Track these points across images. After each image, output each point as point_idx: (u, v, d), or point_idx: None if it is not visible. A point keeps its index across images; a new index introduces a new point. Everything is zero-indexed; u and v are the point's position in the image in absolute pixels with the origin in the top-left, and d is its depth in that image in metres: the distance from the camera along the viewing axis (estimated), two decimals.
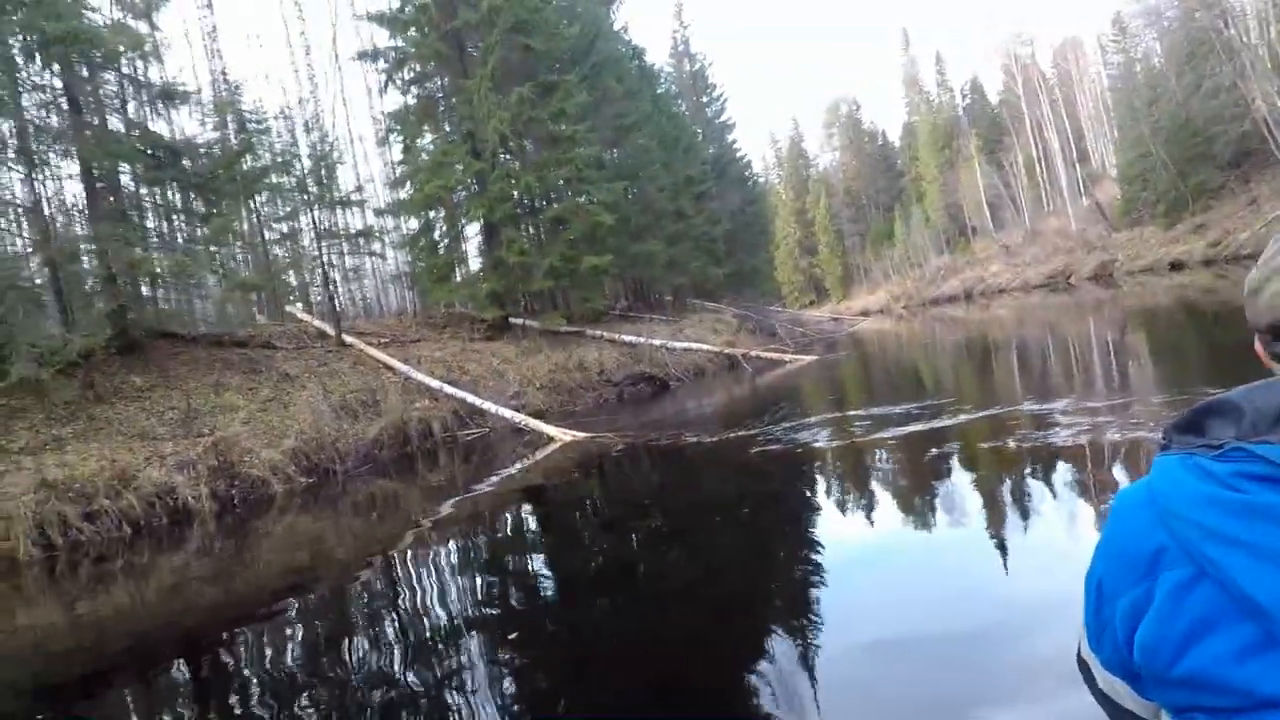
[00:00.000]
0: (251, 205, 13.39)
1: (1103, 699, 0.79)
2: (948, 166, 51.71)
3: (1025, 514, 3.98)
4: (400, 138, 16.63)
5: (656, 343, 14.89)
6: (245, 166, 12.27)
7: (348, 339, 12.95)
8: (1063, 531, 3.65)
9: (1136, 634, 0.69)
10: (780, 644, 2.87)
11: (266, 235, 14.51)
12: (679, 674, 2.78)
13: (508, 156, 15.26)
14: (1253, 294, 0.73)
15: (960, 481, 4.81)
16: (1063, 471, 4.50)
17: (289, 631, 3.98)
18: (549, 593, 4.15)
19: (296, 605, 4.40)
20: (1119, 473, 4.28)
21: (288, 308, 15.79)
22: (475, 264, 17.14)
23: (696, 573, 3.92)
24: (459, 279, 16.30)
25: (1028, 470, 4.65)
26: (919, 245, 50.92)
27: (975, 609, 2.95)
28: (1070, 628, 0.82)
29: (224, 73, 18.62)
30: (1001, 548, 3.58)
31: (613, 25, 24.08)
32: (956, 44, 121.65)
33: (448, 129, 16.27)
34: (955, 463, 5.18)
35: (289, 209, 15.62)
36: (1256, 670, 0.60)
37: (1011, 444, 5.19)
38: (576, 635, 3.42)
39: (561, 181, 15.73)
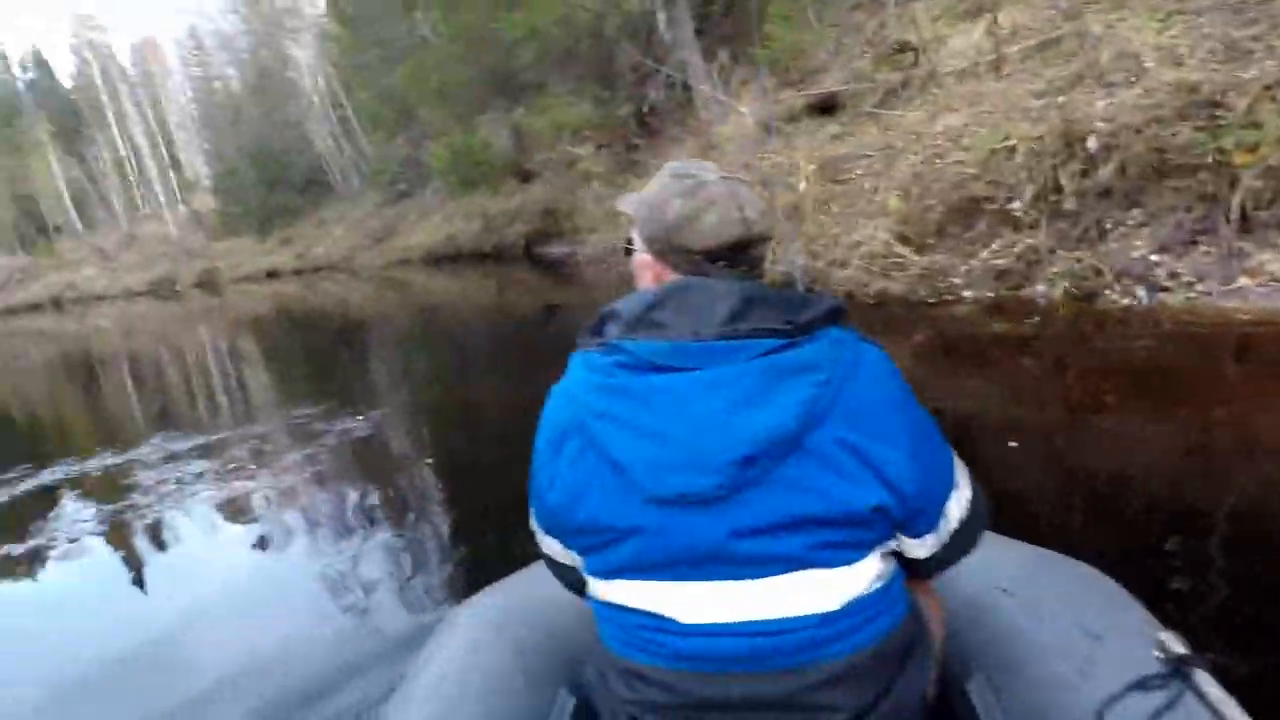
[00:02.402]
0: None
1: (546, 559, 0.90)
2: (11, 150, 40.50)
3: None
4: None
5: None
6: None
7: None
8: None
9: (552, 497, 0.79)
10: None
11: None
12: None
13: None
14: (688, 221, 0.81)
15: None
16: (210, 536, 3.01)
17: None
18: None
19: None
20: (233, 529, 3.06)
21: None
22: None
23: None
24: None
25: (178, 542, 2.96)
26: None
27: None
28: None
29: None
30: None
31: None
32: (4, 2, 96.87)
33: None
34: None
35: None
36: (619, 510, 0.74)
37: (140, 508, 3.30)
38: None
39: None
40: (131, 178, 38.90)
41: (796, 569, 0.71)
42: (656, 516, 0.72)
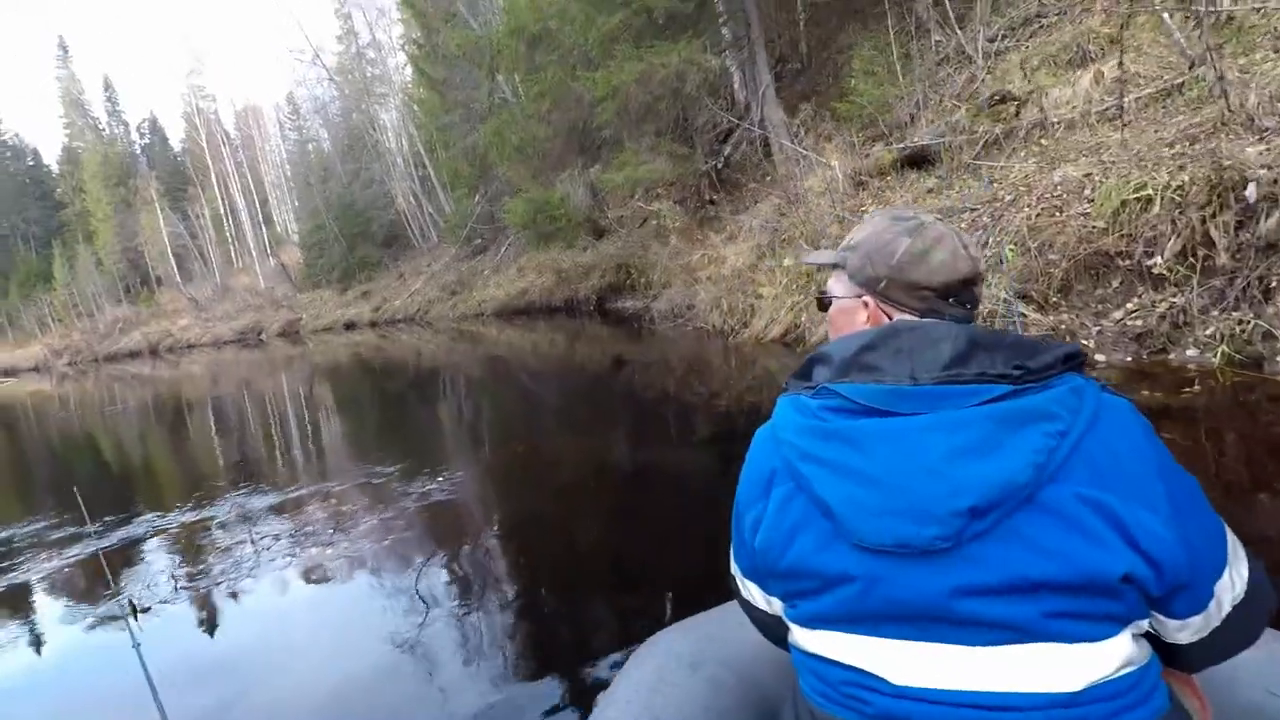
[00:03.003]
0: None
1: (744, 604, 0.88)
2: (124, 207, 44.22)
3: None
4: None
5: None
6: None
7: None
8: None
9: (757, 541, 0.76)
10: None
11: None
12: None
13: None
14: (919, 257, 0.80)
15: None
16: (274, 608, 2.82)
17: None
18: None
19: None
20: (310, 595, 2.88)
21: None
22: None
23: None
24: None
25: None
26: (89, 292, 41.68)
27: None
28: None
29: None
30: None
31: None
32: (131, 74, 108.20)
33: None
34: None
35: None
36: (828, 557, 0.69)
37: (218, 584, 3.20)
38: None
39: None
40: (228, 233, 41.70)
41: (1029, 640, 0.63)
42: (869, 565, 0.67)
